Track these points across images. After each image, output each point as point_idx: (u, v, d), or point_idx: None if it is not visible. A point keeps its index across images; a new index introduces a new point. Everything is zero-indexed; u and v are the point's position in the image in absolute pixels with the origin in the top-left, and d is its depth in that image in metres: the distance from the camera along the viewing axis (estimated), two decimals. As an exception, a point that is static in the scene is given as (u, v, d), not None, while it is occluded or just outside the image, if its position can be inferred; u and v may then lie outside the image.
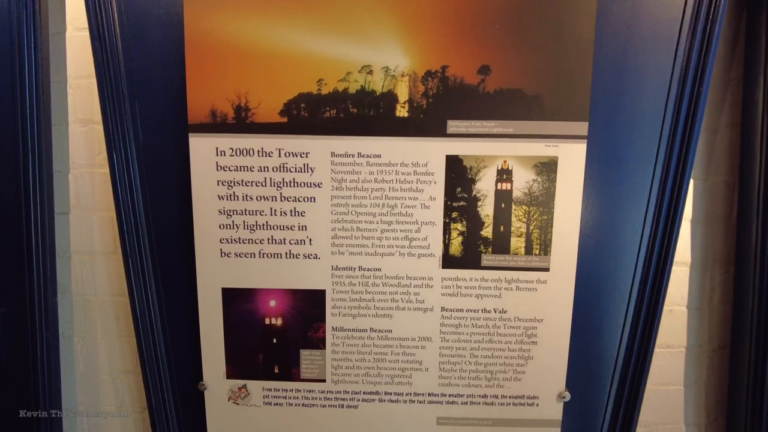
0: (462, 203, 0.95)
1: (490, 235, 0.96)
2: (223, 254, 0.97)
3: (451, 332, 0.99)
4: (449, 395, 1.02)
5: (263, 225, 0.96)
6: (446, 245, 0.96)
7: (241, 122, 0.92)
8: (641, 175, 0.97)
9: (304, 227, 0.96)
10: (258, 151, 0.93)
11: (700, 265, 1.07)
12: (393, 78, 0.91)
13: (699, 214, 1.06)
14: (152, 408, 1.05)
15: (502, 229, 0.95)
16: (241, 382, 1.03)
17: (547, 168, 0.93)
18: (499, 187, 0.94)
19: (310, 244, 0.97)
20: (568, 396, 1.01)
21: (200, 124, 0.93)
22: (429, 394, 1.02)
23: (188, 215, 0.97)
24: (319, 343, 1.01)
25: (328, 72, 0.90)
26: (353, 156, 0.93)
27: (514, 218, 0.95)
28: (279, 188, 0.95)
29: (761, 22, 0.96)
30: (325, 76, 0.90)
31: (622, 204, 0.98)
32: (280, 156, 0.94)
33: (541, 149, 0.92)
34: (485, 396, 1.02)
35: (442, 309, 0.98)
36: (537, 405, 1.02)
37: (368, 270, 0.97)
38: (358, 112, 0.92)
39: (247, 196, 0.95)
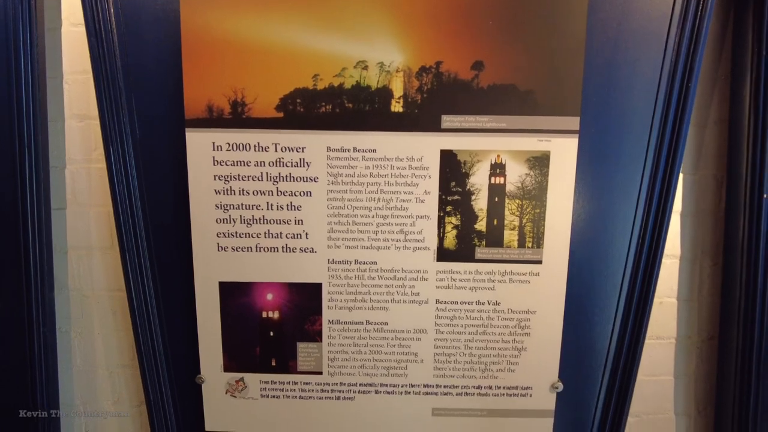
0: (456, 197, 0.96)
1: (483, 229, 0.97)
2: (220, 248, 0.98)
3: (446, 324, 1.01)
4: (444, 386, 1.03)
5: (260, 219, 0.97)
6: (441, 238, 0.97)
7: (237, 117, 0.93)
8: (632, 170, 0.99)
9: (300, 221, 0.97)
10: (254, 145, 0.94)
11: (690, 257, 1.10)
12: (388, 73, 0.92)
13: (688, 208, 1.08)
14: (150, 402, 1.05)
15: (495, 222, 0.97)
16: (238, 375, 1.04)
17: (540, 162, 0.95)
18: (492, 181, 0.96)
19: (307, 238, 0.98)
20: (560, 386, 1.03)
21: (197, 119, 0.94)
22: (424, 386, 1.04)
23: (185, 210, 0.97)
24: (316, 336, 1.02)
25: (323, 67, 0.91)
26: (349, 151, 0.94)
27: (507, 212, 0.96)
28: (275, 183, 0.96)
29: (748, 19, 0.98)
30: (321, 71, 0.92)
31: (613, 197, 1.00)
32: (276, 151, 0.94)
33: (533, 144, 0.94)
34: (479, 387, 1.03)
35: (437, 301, 1.00)
36: (530, 395, 1.03)
37: (364, 263, 0.99)
38: (353, 107, 0.93)
39: (243, 190, 0.96)
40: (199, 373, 1.03)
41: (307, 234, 0.98)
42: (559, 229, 0.97)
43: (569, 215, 0.96)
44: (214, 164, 0.95)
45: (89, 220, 1.08)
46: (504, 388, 1.03)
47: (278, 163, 0.95)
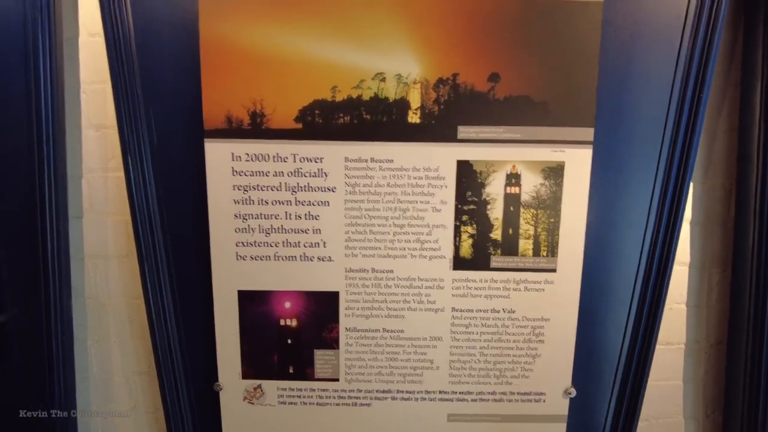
0: (472, 206, 0.98)
1: (499, 238, 0.98)
2: (238, 257, 0.99)
3: (462, 332, 1.02)
4: (459, 392, 1.05)
5: (278, 228, 0.98)
6: (457, 247, 0.99)
7: (256, 128, 0.94)
8: (644, 179, 1.00)
9: (318, 230, 0.98)
10: (273, 156, 0.95)
11: (699, 264, 1.11)
12: (405, 85, 0.93)
13: (698, 216, 1.09)
14: (167, 408, 1.06)
15: (510, 231, 0.98)
16: (256, 382, 1.05)
17: (555, 172, 0.96)
18: (508, 191, 0.97)
19: (324, 246, 0.99)
20: (573, 392, 1.04)
21: (216, 129, 0.94)
22: (440, 392, 1.05)
23: (203, 218, 0.98)
24: (333, 344, 1.03)
25: (342, 79, 0.92)
26: (366, 161, 0.95)
27: (522, 221, 0.98)
28: (294, 193, 0.97)
29: (758, 30, 0.99)
30: (339, 83, 0.93)
31: (626, 207, 1.01)
32: (294, 161, 0.95)
33: (548, 154, 0.95)
34: (494, 393, 1.05)
35: (453, 309, 1.01)
36: (544, 401, 1.05)
37: (381, 272, 1.00)
38: (371, 119, 0.94)
39: (262, 200, 0.97)
40: (217, 380, 1.04)
41: (324, 243, 0.99)
42: (573, 237, 0.98)
43: (583, 224, 0.98)
44: (233, 174, 0.96)
45: (106, 229, 1.09)
46: (518, 393, 1.05)
47: (297, 174, 0.96)
